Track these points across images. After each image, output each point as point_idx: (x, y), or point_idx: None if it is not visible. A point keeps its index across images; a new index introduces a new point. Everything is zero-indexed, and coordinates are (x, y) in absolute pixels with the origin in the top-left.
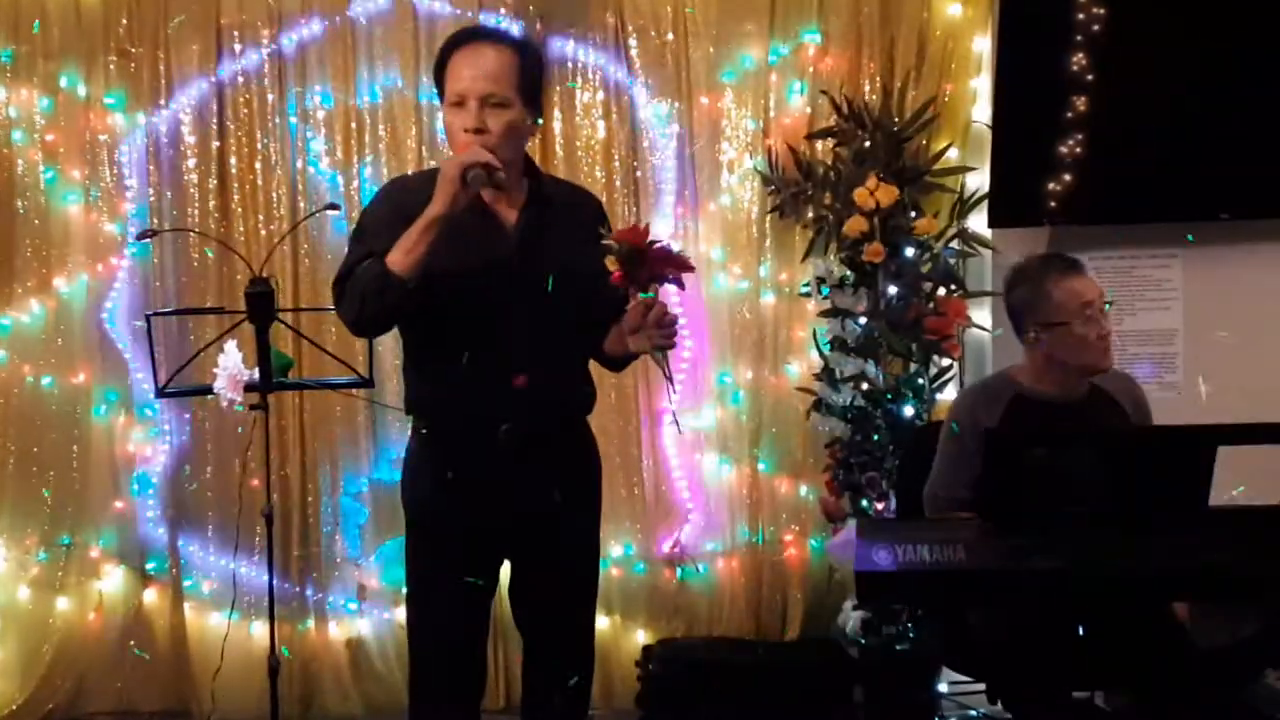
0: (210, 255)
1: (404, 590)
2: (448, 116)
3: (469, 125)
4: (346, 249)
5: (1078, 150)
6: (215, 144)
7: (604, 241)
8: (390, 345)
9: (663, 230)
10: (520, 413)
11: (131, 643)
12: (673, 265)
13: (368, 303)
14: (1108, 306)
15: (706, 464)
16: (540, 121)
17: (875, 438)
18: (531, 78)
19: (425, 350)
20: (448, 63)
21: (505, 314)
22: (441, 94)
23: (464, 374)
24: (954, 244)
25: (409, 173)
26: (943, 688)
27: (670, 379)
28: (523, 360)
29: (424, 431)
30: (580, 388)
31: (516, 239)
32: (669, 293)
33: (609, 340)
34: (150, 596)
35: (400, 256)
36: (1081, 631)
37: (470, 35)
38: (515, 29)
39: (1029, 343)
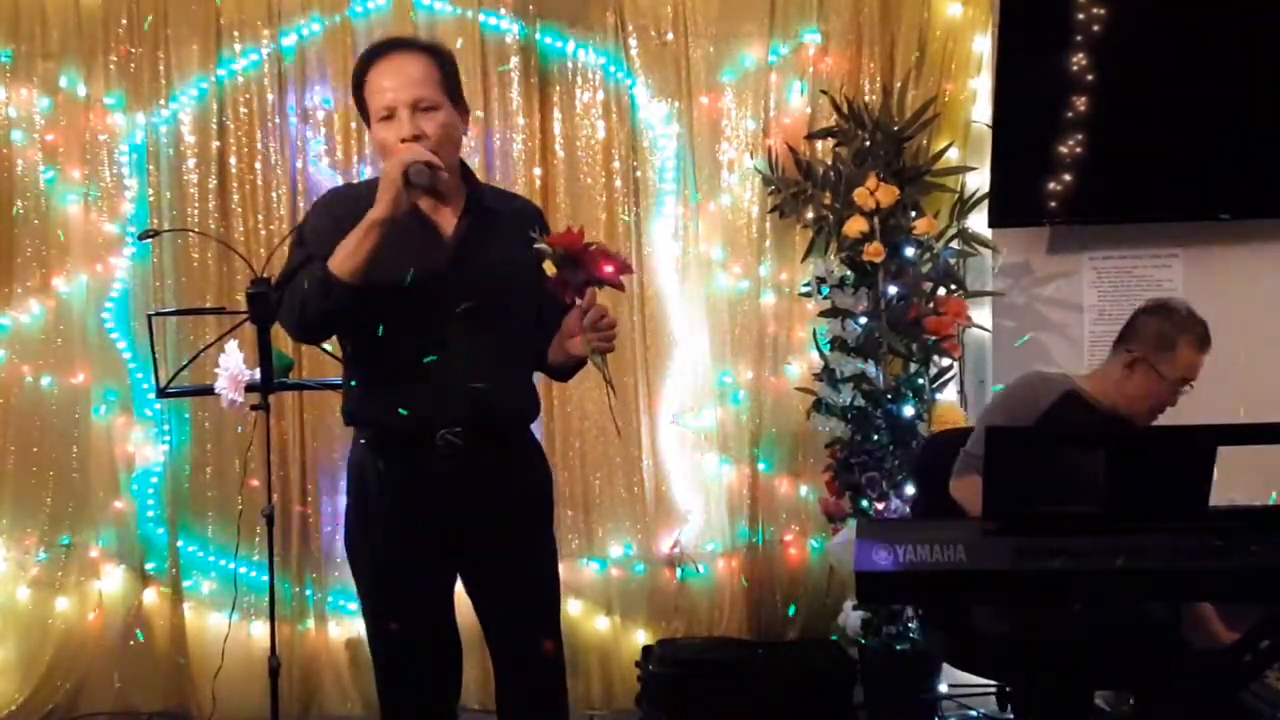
0: (210, 256)
1: (360, 601)
2: (379, 133)
3: (404, 134)
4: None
5: (1078, 150)
6: (215, 144)
7: (537, 245)
8: None
9: (663, 230)
10: (460, 419)
11: (132, 642)
12: (610, 266)
13: (309, 306)
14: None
15: (706, 464)
16: (469, 121)
17: (875, 438)
18: (453, 78)
19: (365, 360)
20: (365, 82)
21: (443, 321)
22: (366, 115)
23: (403, 382)
24: (954, 244)
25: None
26: (943, 688)
27: (610, 383)
28: (461, 367)
29: (363, 442)
30: (523, 396)
31: (453, 246)
32: (617, 296)
33: (551, 349)
34: (150, 596)
35: (342, 259)
36: (1082, 632)
37: (382, 49)
38: (514, 27)
39: (1123, 363)
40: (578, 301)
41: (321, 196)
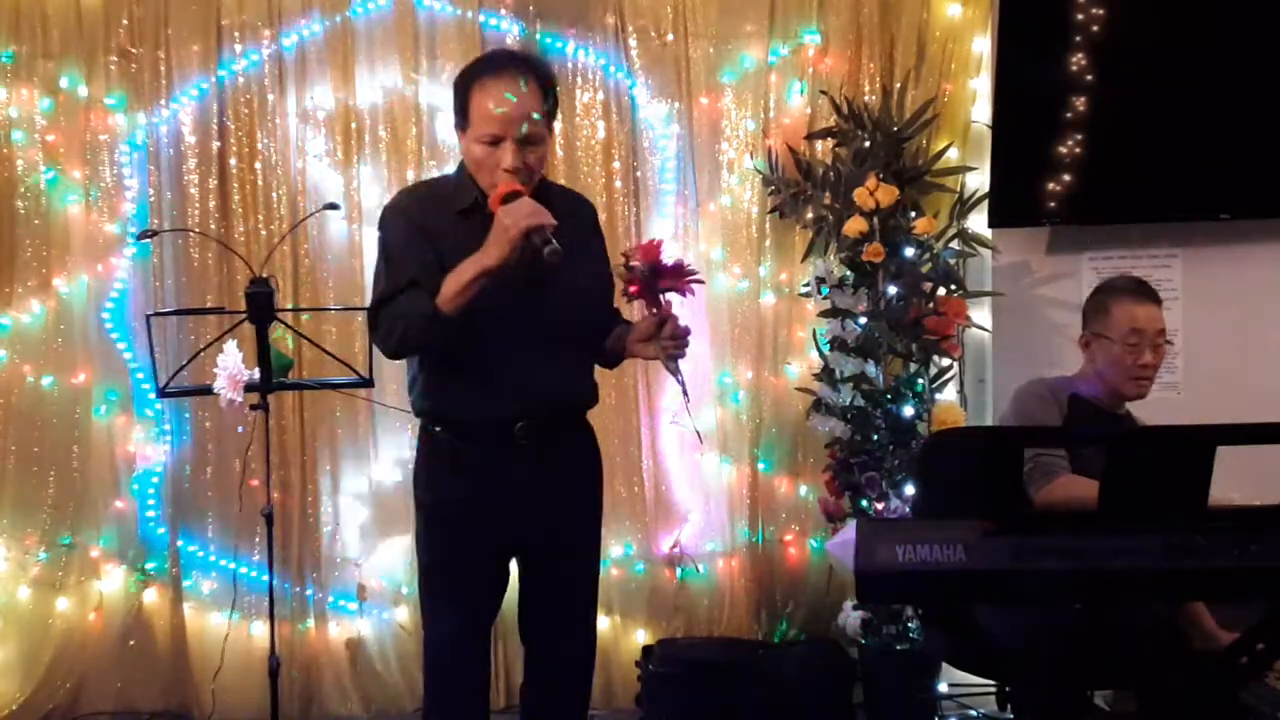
0: (210, 256)
1: (414, 588)
2: (478, 149)
3: (508, 165)
4: (376, 274)
5: (1077, 150)
6: (215, 144)
7: (629, 263)
8: None
9: (663, 230)
10: (536, 412)
11: (131, 642)
12: (685, 278)
13: (411, 336)
14: (1169, 344)
15: (706, 464)
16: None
17: (875, 438)
18: (554, 102)
19: (441, 360)
20: (473, 91)
21: (516, 319)
22: (464, 117)
23: (481, 381)
24: (954, 244)
25: (410, 183)
26: (943, 688)
27: (684, 387)
28: (536, 364)
29: (438, 429)
30: (589, 388)
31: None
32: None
33: (613, 339)
34: (150, 596)
35: (449, 298)
36: (1082, 632)
37: (498, 64)
38: (514, 28)
39: (1081, 345)
40: (653, 310)
41: (391, 205)
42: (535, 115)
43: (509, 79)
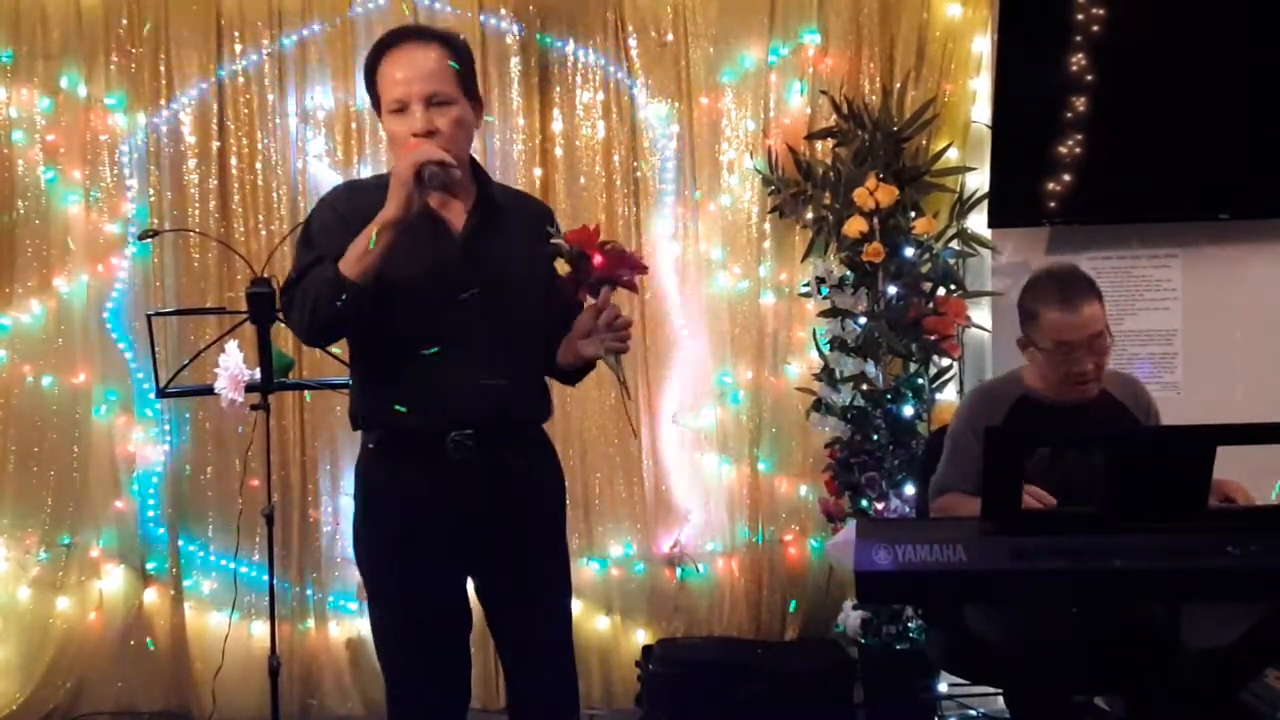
0: (211, 256)
1: (369, 610)
2: (390, 125)
3: (416, 129)
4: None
5: (1077, 150)
6: (215, 144)
7: (553, 241)
8: None
9: (663, 230)
10: (471, 420)
11: (131, 642)
12: (625, 266)
13: (319, 309)
14: (1111, 337)
15: (706, 464)
16: (484, 116)
17: (875, 438)
18: (468, 70)
19: (372, 361)
20: (378, 70)
21: (452, 319)
22: (378, 105)
23: (411, 382)
24: (954, 244)
25: (354, 178)
26: (943, 687)
27: (624, 384)
28: (472, 366)
29: (370, 446)
30: (536, 396)
31: (462, 242)
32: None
33: (561, 350)
34: (150, 596)
35: (354, 261)
36: (1081, 633)
37: (396, 38)
38: (514, 28)
39: (1019, 347)
40: (590, 301)
41: (327, 193)
42: (440, 76)
43: (409, 46)
